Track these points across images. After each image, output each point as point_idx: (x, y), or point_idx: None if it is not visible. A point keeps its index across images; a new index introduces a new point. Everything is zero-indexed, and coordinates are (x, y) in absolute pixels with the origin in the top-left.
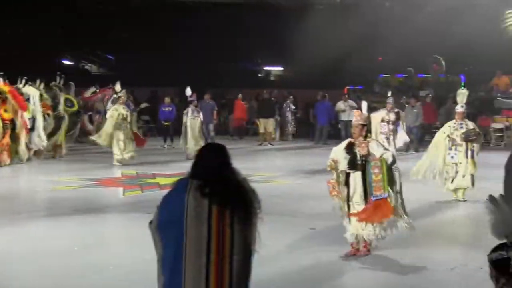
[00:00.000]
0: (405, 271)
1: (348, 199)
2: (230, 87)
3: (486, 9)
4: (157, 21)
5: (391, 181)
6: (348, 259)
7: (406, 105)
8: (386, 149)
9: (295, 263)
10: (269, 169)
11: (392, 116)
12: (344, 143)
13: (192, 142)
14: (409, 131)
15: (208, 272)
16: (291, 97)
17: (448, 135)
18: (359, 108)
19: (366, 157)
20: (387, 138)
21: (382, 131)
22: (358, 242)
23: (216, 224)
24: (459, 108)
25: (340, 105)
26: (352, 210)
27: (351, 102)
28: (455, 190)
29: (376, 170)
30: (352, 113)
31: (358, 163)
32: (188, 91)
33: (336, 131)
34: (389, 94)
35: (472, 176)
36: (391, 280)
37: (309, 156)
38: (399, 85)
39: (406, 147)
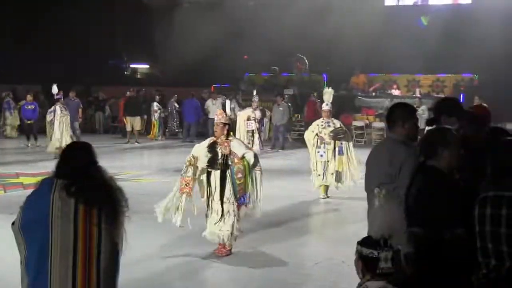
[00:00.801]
0: (272, 266)
1: (209, 196)
2: (96, 85)
3: (345, 10)
4: (17, 14)
5: (252, 183)
6: (215, 257)
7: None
8: (248, 148)
9: (164, 262)
10: (137, 167)
11: (257, 114)
12: (207, 141)
13: (63, 140)
14: (275, 130)
15: (75, 272)
16: (176, 95)
17: (316, 134)
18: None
19: (228, 156)
20: (253, 136)
21: (249, 129)
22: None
23: (82, 224)
24: (325, 107)
25: (209, 103)
26: (213, 207)
27: (220, 100)
28: (321, 187)
29: (240, 175)
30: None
31: (218, 161)
32: (55, 89)
33: (205, 129)
34: (254, 92)
35: (338, 173)
36: (258, 275)
37: (177, 154)
38: (265, 83)
39: (272, 145)
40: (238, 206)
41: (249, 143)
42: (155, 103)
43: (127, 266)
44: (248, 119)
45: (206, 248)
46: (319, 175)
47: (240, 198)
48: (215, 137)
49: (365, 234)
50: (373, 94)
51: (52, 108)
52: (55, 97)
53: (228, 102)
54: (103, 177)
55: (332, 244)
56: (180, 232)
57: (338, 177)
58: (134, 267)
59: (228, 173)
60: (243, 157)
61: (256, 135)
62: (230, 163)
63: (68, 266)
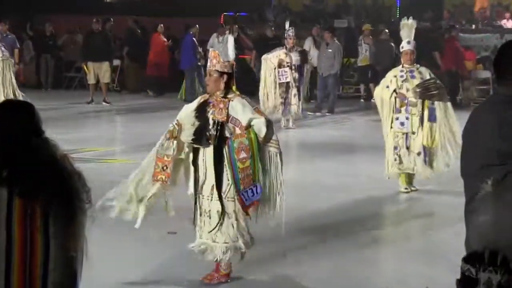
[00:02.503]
0: None
1: (196, 189)
2: (40, 13)
3: None
4: None
5: (263, 168)
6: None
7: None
8: (257, 111)
9: (146, 285)
10: (105, 141)
11: (294, 58)
12: (197, 101)
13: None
14: (322, 83)
15: None
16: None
17: (394, 90)
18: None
19: (224, 125)
20: (288, 91)
21: (281, 82)
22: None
23: (19, 227)
24: (406, 46)
25: (213, 40)
26: (203, 206)
27: (228, 36)
28: (403, 174)
29: (243, 155)
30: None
31: (209, 133)
32: None
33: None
34: (287, 25)
35: (428, 152)
36: None
37: (168, 120)
38: (304, 10)
39: (317, 106)
40: (243, 205)
41: (282, 103)
42: None
43: None
44: (280, 65)
45: (207, 266)
46: (397, 156)
47: (247, 191)
48: (207, 93)
49: (461, 245)
50: (473, 27)
51: None
52: None
53: (231, 39)
54: (52, 155)
55: (409, 260)
56: (170, 240)
57: (429, 157)
58: None
59: (225, 150)
60: (249, 127)
61: (294, 91)
62: (228, 135)
63: None
